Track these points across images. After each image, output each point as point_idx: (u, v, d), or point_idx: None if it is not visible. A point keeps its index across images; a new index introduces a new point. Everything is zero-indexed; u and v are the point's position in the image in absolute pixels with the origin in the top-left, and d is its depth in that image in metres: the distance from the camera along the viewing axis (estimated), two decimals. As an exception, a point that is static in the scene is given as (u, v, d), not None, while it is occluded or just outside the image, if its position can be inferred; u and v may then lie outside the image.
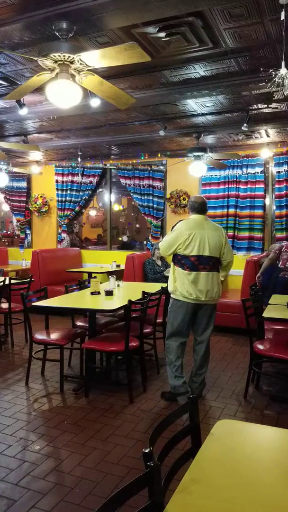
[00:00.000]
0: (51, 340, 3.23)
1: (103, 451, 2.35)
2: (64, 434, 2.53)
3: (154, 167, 6.10)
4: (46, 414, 2.81)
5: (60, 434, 2.53)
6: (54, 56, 2.31)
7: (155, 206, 6.11)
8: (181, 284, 2.74)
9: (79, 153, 5.87)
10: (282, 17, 2.13)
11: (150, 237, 6.25)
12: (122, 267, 5.81)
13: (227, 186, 5.69)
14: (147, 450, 0.99)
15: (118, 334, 3.24)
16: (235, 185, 5.63)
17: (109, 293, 3.45)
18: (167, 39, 2.59)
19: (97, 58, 2.26)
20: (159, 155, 5.99)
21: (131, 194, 6.32)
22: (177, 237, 2.75)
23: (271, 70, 2.35)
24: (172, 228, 2.84)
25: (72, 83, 2.44)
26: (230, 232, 5.71)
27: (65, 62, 2.36)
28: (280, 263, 4.23)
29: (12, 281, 4.51)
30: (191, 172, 5.04)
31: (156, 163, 6.16)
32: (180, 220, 2.87)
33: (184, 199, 5.93)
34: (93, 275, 5.73)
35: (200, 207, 2.86)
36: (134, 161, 6.26)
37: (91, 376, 3.23)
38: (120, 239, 9.18)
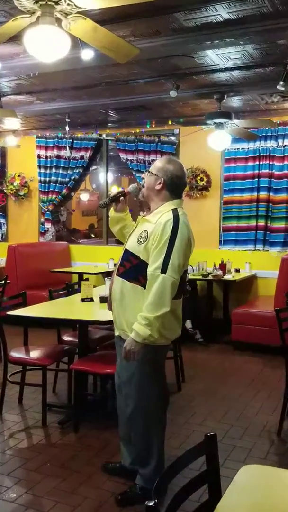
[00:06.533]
0: (31, 360, 3.25)
1: (96, 501, 2.35)
2: (48, 479, 2.54)
3: (164, 138, 6.08)
4: (24, 453, 2.82)
5: (43, 478, 2.54)
6: (35, -6, 2.31)
7: (164, 188, 6.11)
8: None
9: (67, 120, 5.86)
10: None
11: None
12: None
13: (257, 162, 5.66)
14: (151, 503, 1.00)
15: (115, 353, 3.24)
16: (268, 162, 5.60)
17: (104, 299, 3.45)
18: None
19: (89, -3, 2.25)
20: (169, 122, 5.96)
21: (134, 173, 6.32)
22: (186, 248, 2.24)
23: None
24: (174, 232, 2.16)
25: (58, 29, 2.43)
26: (261, 222, 5.68)
27: (48, 3, 2.36)
28: None
29: (-18, 284, 4.54)
30: (211, 145, 5.01)
31: (166, 132, 6.14)
32: (174, 212, 2.22)
33: (202, 179, 5.93)
34: (85, 276, 5.75)
35: (184, 187, 2.42)
36: (138, 130, 6.24)
37: (81, 405, 3.23)
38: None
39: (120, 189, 2.52)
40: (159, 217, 2.22)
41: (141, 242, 2.22)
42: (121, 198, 2.47)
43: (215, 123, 4.79)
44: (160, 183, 2.29)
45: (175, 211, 2.24)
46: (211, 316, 5.56)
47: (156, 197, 2.32)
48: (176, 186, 2.32)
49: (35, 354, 3.33)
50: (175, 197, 2.33)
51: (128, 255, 2.29)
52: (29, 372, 3.57)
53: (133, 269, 2.26)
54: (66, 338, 3.80)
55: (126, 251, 2.32)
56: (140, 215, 2.42)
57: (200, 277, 5.34)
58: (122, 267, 2.32)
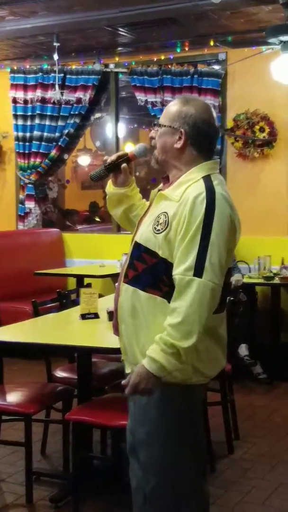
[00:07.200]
0: (8, 406, 3.28)
1: None
2: None
3: (203, 68, 6.06)
4: None
5: None
6: None
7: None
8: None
9: (55, 44, 5.86)
10: None
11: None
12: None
13: None
14: None
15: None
16: None
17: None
18: None
19: None
20: (211, 43, 5.93)
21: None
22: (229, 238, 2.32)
23: None
24: (209, 211, 2.21)
25: None
26: None
27: None
28: None
29: None
30: (277, 76, 5.03)
31: (206, 59, 6.14)
32: (207, 181, 2.28)
33: (262, 130, 5.89)
34: (86, 281, 5.78)
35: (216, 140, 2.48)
36: (163, 57, 6.23)
37: (84, 474, 3.22)
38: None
39: (124, 151, 2.47)
40: (183, 190, 2.21)
41: (159, 230, 2.21)
42: (123, 165, 2.42)
43: (281, 42, 4.75)
44: (180, 137, 2.26)
45: (207, 179, 2.22)
46: (279, 340, 5.55)
47: (177, 160, 2.30)
48: (204, 137, 2.28)
49: (13, 397, 3.34)
50: (204, 158, 2.30)
51: (140, 252, 2.26)
52: (5, 425, 3.58)
53: (148, 272, 2.24)
54: (60, 373, 3.82)
55: (136, 245, 2.30)
56: (155, 190, 2.39)
57: (261, 281, 5.34)
58: (132, 270, 2.29)
